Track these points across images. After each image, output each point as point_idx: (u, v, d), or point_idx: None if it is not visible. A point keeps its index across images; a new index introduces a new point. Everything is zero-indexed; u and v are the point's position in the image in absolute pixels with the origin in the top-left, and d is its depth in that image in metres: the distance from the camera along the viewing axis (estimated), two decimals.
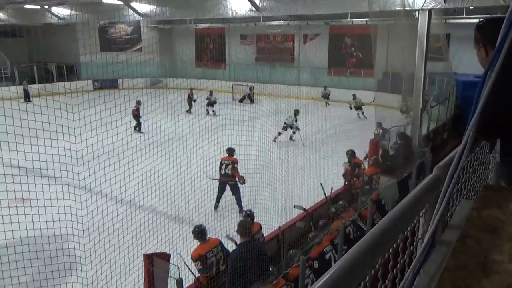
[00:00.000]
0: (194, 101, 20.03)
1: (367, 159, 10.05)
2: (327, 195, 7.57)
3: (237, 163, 9.14)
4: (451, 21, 18.53)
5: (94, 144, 7.16)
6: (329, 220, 6.47)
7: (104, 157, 7.46)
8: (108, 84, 26.78)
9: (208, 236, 5.81)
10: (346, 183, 9.28)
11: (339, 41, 25.20)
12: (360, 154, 9.96)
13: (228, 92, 24.72)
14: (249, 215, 6.18)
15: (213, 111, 19.65)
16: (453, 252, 1.15)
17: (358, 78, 23.32)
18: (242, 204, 8.97)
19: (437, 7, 10.88)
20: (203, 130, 9.67)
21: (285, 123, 15.04)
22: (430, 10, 10.94)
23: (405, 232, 1.24)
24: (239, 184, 9.07)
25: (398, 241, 1.16)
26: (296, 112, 15.13)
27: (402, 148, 9.44)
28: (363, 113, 19.33)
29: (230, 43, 29.34)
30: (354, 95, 20.16)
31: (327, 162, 10.78)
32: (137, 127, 16.37)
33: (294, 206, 7.21)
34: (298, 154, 10.65)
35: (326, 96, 22.66)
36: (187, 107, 20.02)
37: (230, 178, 9.06)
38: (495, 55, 0.82)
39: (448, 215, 1.67)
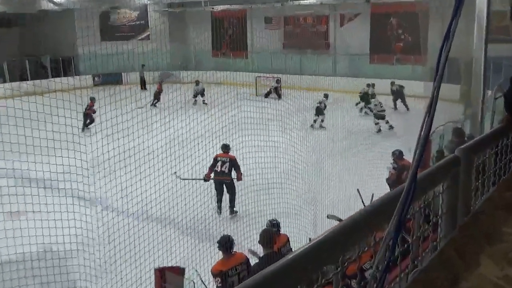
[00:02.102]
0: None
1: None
2: (366, 203, 7.72)
3: (235, 160, 9.58)
4: None
5: (94, 152, 7.69)
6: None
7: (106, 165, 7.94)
8: (110, 78, 27.49)
9: (234, 250, 5.93)
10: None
11: (383, 22, 25.19)
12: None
13: (251, 85, 24.94)
14: (274, 225, 6.42)
15: (203, 100, 21.92)
16: (462, 226, 1.38)
17: (407, 65, 23.09)
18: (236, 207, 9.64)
19: None
20: (218, 130, 9.99)
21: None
22: None
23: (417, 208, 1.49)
24: (235, 182, 9.60)
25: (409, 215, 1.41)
26: (326, 96, 17.74)
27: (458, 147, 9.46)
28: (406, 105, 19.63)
29: (252, 27, 29.71)
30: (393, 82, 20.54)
31: (368, 166, 10.93)
32: (86, 125, 16.97)
33: (328, 216, 7.39)
34: (330, 157, 10.84)
35: (366, 99, 19.06)
36: (153, 100, 21.74)
37: (227, 177, 9.48)
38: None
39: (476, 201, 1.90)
